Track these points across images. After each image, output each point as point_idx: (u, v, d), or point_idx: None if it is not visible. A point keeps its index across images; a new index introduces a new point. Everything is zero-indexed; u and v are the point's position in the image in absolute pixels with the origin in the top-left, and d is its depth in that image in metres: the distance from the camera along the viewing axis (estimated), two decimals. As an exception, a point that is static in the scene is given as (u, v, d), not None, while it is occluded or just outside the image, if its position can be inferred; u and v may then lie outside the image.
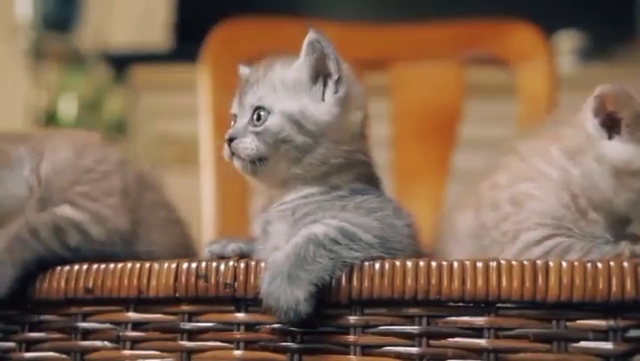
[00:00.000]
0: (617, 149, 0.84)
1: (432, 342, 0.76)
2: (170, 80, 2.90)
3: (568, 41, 2.86)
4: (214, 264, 0.80)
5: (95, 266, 0.84)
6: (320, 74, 0.87)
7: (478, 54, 1.64)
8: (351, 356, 0.77)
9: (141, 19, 3.11)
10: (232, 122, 0.89)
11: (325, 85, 0.87)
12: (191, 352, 0.81)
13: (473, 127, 1.67)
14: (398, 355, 0.76)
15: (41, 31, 2.93)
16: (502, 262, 0.74)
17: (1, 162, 0.92)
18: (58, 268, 0.85)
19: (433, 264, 0.75)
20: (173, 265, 0.81)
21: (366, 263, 0.77)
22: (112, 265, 0.83)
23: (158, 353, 0.82)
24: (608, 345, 0.72)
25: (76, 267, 0.84)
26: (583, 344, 0.73)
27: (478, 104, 1.71)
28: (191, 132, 1.83)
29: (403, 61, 1.64)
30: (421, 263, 0.75)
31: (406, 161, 1.59)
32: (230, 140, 0.86)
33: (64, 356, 0.85)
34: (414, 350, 0.76)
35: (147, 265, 0.82)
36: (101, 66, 2.99)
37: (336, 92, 0.87)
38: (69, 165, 0.99)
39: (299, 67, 0.88)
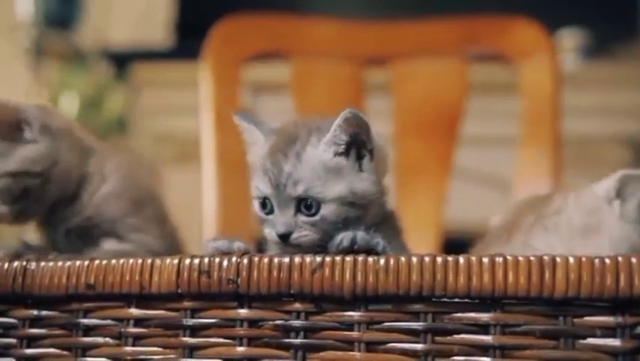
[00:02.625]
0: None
1: (437, 339, 0.75)
2: (170, 78, 2.90)
3: (570, 39, 2.85)
4: (217, 260, 0.79)
5: (97, 262, 0.83)
6: (353, 145, 0.87)
7: (480, 51, 1.64)
8: (356, 353, 0.76)
9: (142, 17, 3.11)
10: (260, 200, 0.87)
11: (360, 155, 0.87)
12: (193, 348, 0.80)
13: (475, 124, 1.67)
14: (403, 352, 0.75)
15: (42, 29, 2.93)
16: (509, 257, 0.73)
17: None
18: (59, 263, 0.84)
19: (439, 260, 0.74)
20: (175, 261, 0.80)
21: (371, 259, 0.76)
22: (113, 261, 0.82)
23: (160, 349, 0.81)
24: (615, 342, 0.71)
25: (78, 263, 0.83)
26: (590, 340, 0.72)
27: (480, 101, 1.71)
28: (192, 130, 1.83)
29: (404, 57, 1.63)
30: (427, 259, 0.74)
31: (407, 158, 1.58)
32: (287, 235, 0.85)
33: (65, 352, 0.84)
34: (419, 346, 0.75)
35: (149, 261, 0.81)
36: (102, 64, 2.99)
37: (371, 160, 0.87)
38: (123, 196, 1.02)
39: (334, 144, 0.86)
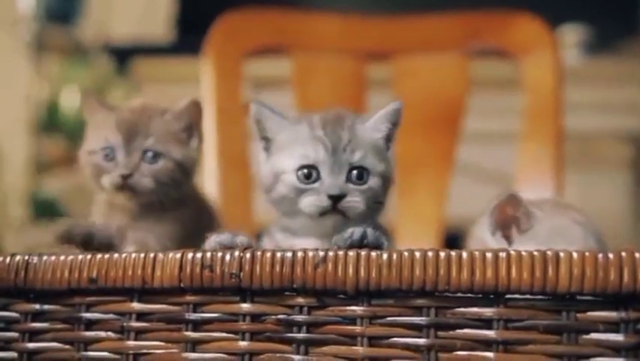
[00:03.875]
0: None
1: (440, 333, 0.75)
2: (172, 73, 2.89)
3: (572, 35, 2.85)
4: (219, 254, 0.79)
5: (99, 256, 0.83)
6: (390, 133, 0.95)
7: (482, 46, 1.63)
8: (358, 348, 0.76)
9: (143, 12, 3.10)
10: (306, 170, 0.89)
11: (389, 145, 0.94)
12: (195, 343, 0.80)
13: (477, 120, 1.67)
14: (406, 346, 0.75)
15: (43, 23, 2.93)
16: (512, 252, 0.73)
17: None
18: (62, 257, 0.84)
19: (442, 254, 0.74)
20: (178, 256, 0.80)
21: (374, 254, 0.76)
22: (116, 256, 0.82)
23: (162, 343, 0.81)
24: (618, 337, 0.71)
25: (80, 257, 0.83)
26: (593, 335, 0.72)
27: (482, 96, 1.70)
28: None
29: (406, 53, 1.63)
30: (430, 254, 0.74)
31: (409, 153, 1.58)
32: (339, 198, 0.87)
33: (67, 346, 0.84)
34: (422, 341, 0.75)
35: (152, 255, 0.81)
36: (104, 58, 2.99)
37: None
38: None
39: (377, 129, 0.93)
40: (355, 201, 0.88)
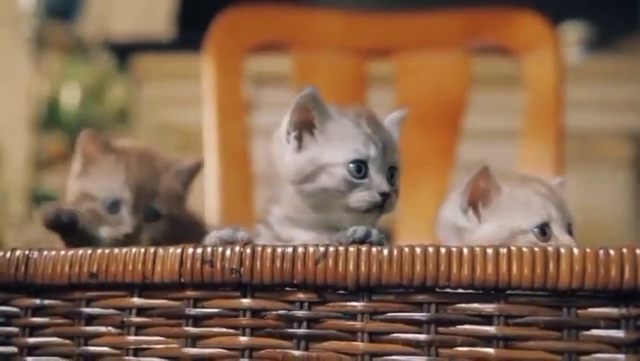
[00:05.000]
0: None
1: (440, 329, 0.75)
2: (172, 69, 2.89)
3: (573, 33, 2.85)
4: (220, 249, 0.79)
5: (100, 251, 0.83)
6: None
7: (483, 43, 1.63)
8: (359, 343, 0.76)
9: (144, 8, 3.10)
10: (357, 164, 0.88)
11: None
12: (196, 338, 0.80)
13: (478, 117, 1.66)
14: (406, 342, 0.75)
15: (44, 20, 2.93)
16: (513, 248, 0.73)
17: None
18: (62, 252, 0.84)
19: (442, 250, 0.74)
20: (178, 251, 0.80)
21: (374, 249, 0.76)
22: (116, 250, 0.82)
23: (162, 338, 0.81)
24: (619, 333, 0.71)
25: (81, 252, 0.83)
26: (594, 332, 0.72)
27: (483, 94, 1.70)
28: (194, 122, 1.83)
29: (407, 50, 1.63)
30: (430, 249, 0.74)
31: (410, 151, 1.56)
32: (388, 195, 0.88)
33: (67, 341, 0.84)
34: (422, 337, 0.75)
35: (152, 250, 0.81)
36: (104, 55, 2.99)
37: None
38: None
39: (395, 127, 0.96)
40: (394, 200, 0.89)
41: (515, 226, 0.89)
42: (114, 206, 1.02)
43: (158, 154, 1.08)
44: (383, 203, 0.87)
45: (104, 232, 1.02)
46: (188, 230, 1.08)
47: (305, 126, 0.89)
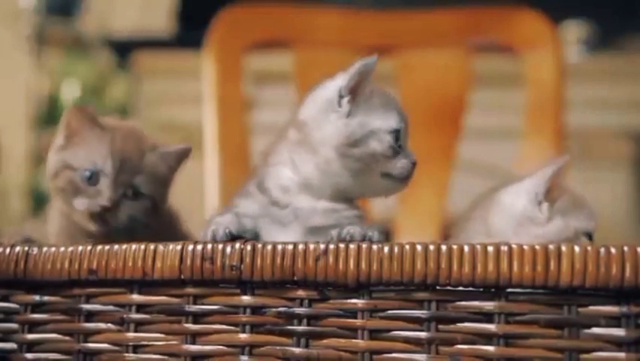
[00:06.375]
0: None
1: (441, 327, 0.75)
2: (173, 67, 2.89)
3: (574, 31, 2.85)
4: (220, 246, 0.79)
5: (99, 247, 0.82)
6: None
7: (484, 41, 1.63)
8: (359, 341, 0.76)
9: (145, 5, 3.10)
10: (395, 134, 0.89)
11: None
12: (196, 335, 0.80)
13: (478, 116, 1.66)
14: (406, 340, 0.75)
15: (44, 17, 2.92)
16: (514, 246, 0.72)
17: None
18: (62, 248, 0.84)
19: (443, 248, 0.74)
20: (178, 247, 0.80)
21: (375, 246, 0.75)
22: (116, 247, 0.82)
23: (162, 335, 0.81)
24: (620, 332, 0.71)
25: (80, 248, 0.83)
26: (595, 330, 0.72)
27: (484, 92, 1.70)
28: (195, 119, 1.83)
29: (408, 48, 1.63)
30: (431, 247, 0.74)
31: (410, 149, 1.58)
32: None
33: (67, 338, 0.84)
34: (422, 334, 0.75)
35: (152, 246, 0.81)
36: (104, 52, 2.99)
37: None
38: None
39: None
40: None
41: (579, 227, 0.91)
42: (94, 177, 0.97)
43: (146, 135, 1.04)
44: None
45: (81, 204, 0.97)
46: (167, 222, 1.06)
47: (353, 93, 0.90)
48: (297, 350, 0.77)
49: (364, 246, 0.76)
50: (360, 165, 0.88)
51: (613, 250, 0.71)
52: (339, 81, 0.90)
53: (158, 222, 1.02)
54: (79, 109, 1.02)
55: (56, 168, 1.01)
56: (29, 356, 0.85)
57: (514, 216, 0.91)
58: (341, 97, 0.89)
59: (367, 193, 0.92)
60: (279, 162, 0.91)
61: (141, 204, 0.99)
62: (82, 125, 1.01)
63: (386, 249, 0.75)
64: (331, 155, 0.88)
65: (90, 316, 0.83)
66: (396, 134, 0.89)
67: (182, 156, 1.04)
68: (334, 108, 0.90)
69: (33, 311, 0.85)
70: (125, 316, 0.82)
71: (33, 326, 0.85)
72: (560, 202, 0.91)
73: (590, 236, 0.91)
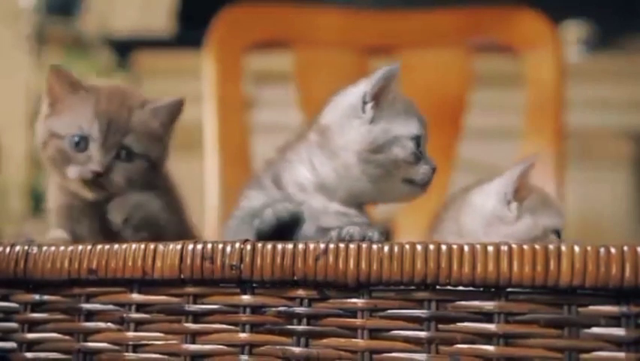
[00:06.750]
0: None
1: (441, 326, 0.75)
2: (173, 66, 2.89)
3: (574, 31, 2.84)
4: (220, 245, 0.79)
5: (99, 247, 0.83)
6: None
7: (484, 41, 1.63)
8: (359, 340, 0.76)
9: (145, 4, 3.10)
10: (416, 139, 0.90)
11: None
12: (195, 334, 0.80)
13: (478, 116, 1.66)
14: (406, 339, 0.75)
15: (44, 16, 2.92)
16: (514, 246, 0.72)
17: None
18: (62, 248, 0.83)
19: (443, 247, 0.74)
20: (178, 247, 0.80)
21: (375, 246, 0.75)
22: (116, 246, 0.82)
23: (162, 335, 0.81)
24: (620, 331, 0.71)
25: (80, 247, 0.83)
26: (595, 330, 0.72)
27: (484, 92, 1.70)
28: (195, 118, 1.83)
29: (408, 48, 1.63)
30: (431, 247, 0.74)
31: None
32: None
33: (67, 337, 0.84)
34: (422, 334, 0.75)
35: (152, 246, 0.81)
36: (104, 51, 2.99)
37: None
38: None
39: None
40: None
41: (547, 225, 0.91)
42: (82, 143, 0.94)
43: (133, 92, 1.01)
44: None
45: (73, 172, 0.95)
46: (169, 187, 1.03)
47: (377, 99, 0.90)
48: (296, 350, 0.77)
49: (364, 246, 0.76)
50: (381, 171, 0.89)
51: (613, 250, 0.71)
52: (363, 87, 0.91)
53: (159, 182, 1.00)
54: (58, 72, 0.98)
55: (44, 138, 0.98)
56: (29, 355, 0.85)
57: (484, 216, 0.92)
58: (365, 103, 0.90)
59: (384, 199, 0.92)
60: (297, 160, 0.92)
61: (136, 165, 0.96)
62: (63, 89, 0.97)
63: (386, 249, 0.75)
64: (352, 160, 0.89)
65: (90, 315, 0.83)
66: (418, 140, 0.90)
67: (174, 109, 1.00)
68: (358, 114, 0.90)
69: (33, 310, 0.85)
70: (124, 315, 0.82)
71: (33, 326, 0.85)
72: (528, 201, 0.92)
73: (558, 233, 0.92)
